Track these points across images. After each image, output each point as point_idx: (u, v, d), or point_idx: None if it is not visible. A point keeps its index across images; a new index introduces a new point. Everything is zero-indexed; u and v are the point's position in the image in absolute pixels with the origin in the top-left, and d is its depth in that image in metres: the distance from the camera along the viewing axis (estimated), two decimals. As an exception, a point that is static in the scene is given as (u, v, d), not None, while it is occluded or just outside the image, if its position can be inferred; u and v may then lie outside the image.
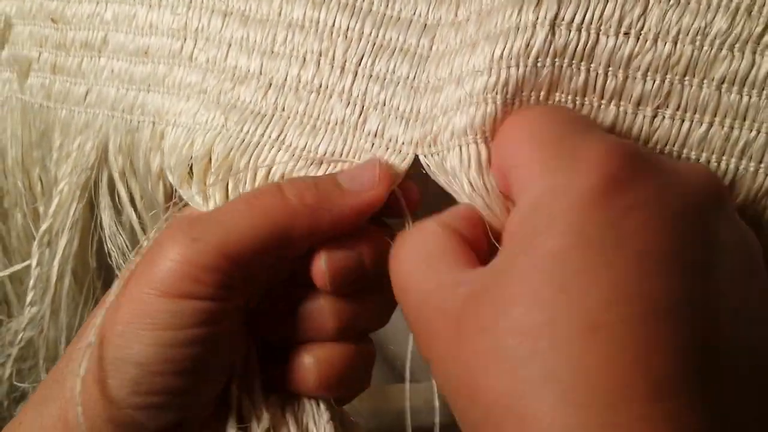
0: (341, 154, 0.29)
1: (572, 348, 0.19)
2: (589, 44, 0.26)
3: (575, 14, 0.26)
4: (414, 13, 0.29)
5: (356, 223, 0.27)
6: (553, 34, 0.26)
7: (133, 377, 0.24)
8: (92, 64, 0.36)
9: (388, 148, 0.29)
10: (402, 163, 0.28)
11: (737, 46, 0.25)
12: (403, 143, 0.28)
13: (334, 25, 0.30)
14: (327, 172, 0.29)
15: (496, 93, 0.26)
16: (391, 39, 0.29)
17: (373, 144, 0.29)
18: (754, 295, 0.22)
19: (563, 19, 0.26)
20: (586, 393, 0.18)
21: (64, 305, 0.37)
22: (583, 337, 0.19)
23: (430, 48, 0.29)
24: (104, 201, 0.36)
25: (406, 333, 0.41)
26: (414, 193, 0.29)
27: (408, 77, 0.29)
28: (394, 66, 0.29)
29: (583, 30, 0.26)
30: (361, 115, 0.29)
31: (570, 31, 0.26)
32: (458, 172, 0.27)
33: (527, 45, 0.26)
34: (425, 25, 0.29)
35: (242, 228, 0.25)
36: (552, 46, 0.26)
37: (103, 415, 0.25)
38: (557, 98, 0.26)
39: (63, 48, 0.37)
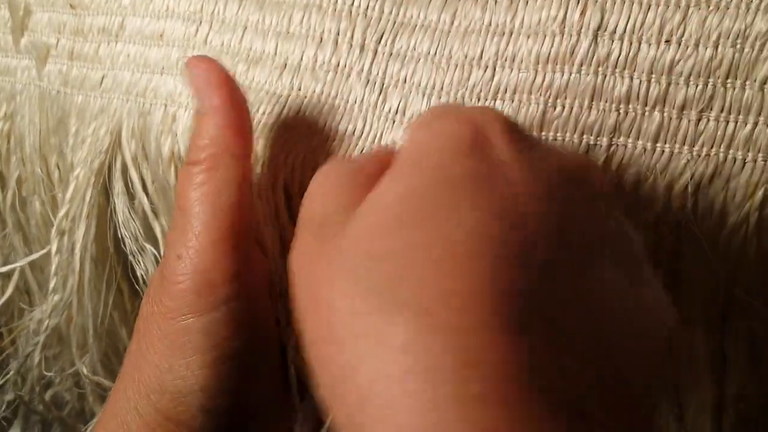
0: (361, 134, 0.28)
1: (426, 273, 0.18)
2: (631, 53, 0.25)
3: (617, 23, 0.25)
4: (434, -11, 0.28)
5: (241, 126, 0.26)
6: (596, 43, 0.26)
7: (200, 405, 0.24)
8: (109, 49, 0.35)
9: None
10: None
11: None
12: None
13: (353, 4, 0.28)
14: (347, 153, 0.28)
15: (540, 95, 0.26)
16: (411, 16, 0.28)
17: (394, 122, 0.28)
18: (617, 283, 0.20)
19: (606, 29, 0.26)
20: (440, 318, 0.17)
21: (87, 292, 0.37)
22: (440, 263, 0.18)
23: (452, 23, 0.27)
24: (118, 186, 0.35)
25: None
26: None
27: (429, 53, 0.27)
28: (415, 43, 0.28)
29: (625, 39, 0.25)
30: (381, 93, 0.28)
31: (613, 41, 0.25)
32: None
33: (572, 52, 0.26)
34: (445, 0, 0.28)
35: (201, 216, 0.25)
36: (596, 55, 0.26)
37: None
38: (601, 106, 0.26)
39: (81, 34, 0.36)
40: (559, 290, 0.18)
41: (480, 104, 0.26)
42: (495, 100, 0.26)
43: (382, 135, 0.27)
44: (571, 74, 0.26)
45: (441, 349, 0.16)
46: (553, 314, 0.18)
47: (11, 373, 0.40)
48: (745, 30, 0.24)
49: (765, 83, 0.25)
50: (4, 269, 0.40)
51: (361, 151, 0.28)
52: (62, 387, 0.40)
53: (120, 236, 0.35)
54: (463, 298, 0.17)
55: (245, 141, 0.25)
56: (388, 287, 0.18)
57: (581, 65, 0.26)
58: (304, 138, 0.28)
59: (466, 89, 0.26)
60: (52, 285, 0.34)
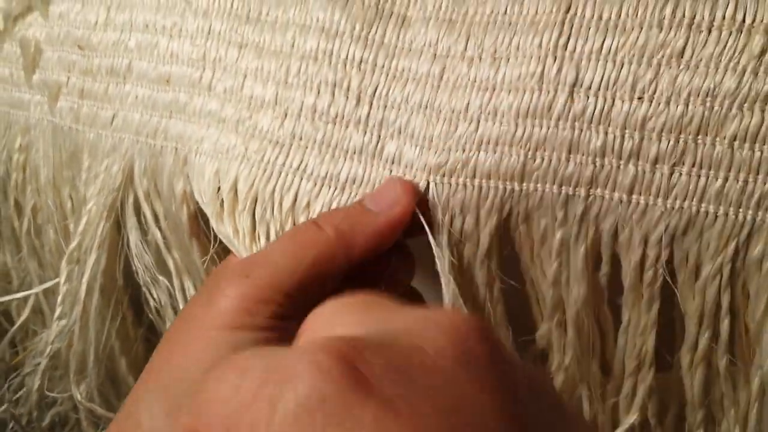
0: (362, 181, 0.29)
1: None
2: (605, 108, 0.27)
3: (592, 80, 0.27)
4: (424, 44, 0.29)
5: (388, 241, 0.28)
6: (572, 98, 0.27)
7: None
8: (118, 90, 0.36)
9: (405, 174, 0.29)
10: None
11: (746, 105, 0.25)
12: (417, 169, 0.28)
13: (347, 57, 0.30)
14: (350, 198, 0.30)
15: (520, 147, 0.27)
16: (403, 69, 0.29)
17: (391, 170, 0.29)
18: None
19: (581, 85, 0.27)
20: None
21: (92, 320, 0.38)
22: None
23: (441, 77, 0.29)
24: (131, 221, 0.36)
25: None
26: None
27: (421, 105, 0.29)
28: (408, 95, 0.29)
29: (599, 95, 0.27)
30: (378, 143, 0.29)
31: (588, 96, 0.27)
32: (470, 208, 0.28)
33: (549, 107, 0.27)
34: (435, 54, 0.29)
35: (288, 262, 0.26)
36: (572, 110, 0.27)
37: None
38: (578, 159, 0.27)
39: (90, 74, 0.37)
40: None
41: (465, 155, 0.28)
42: (479, 151, 0.28)
43: (381, 180, 0.29)
44: (549, 128, 0.27)
45: None
46: None
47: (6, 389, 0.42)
48: (714, 88, 0.26)
49: (734, 140, 0.26)
50: (19, 295, 0.42)
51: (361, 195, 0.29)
52: (64, 408, 0.42)
53: (134, 268, 0.37)
54: None
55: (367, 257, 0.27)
56: None
57: (558, 119, 0.27)
58: (308, 187, 0.30)
59: (453, 141, 0.28)
60: (58, 312, 0.36)
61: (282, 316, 0.26)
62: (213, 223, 0.31)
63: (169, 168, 0.34)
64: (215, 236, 0.33)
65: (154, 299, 0.36)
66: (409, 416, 0.17)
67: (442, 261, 0.28)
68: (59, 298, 0.37)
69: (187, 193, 0.34)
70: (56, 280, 0.38)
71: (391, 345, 0.19)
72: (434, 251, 0.28)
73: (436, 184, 0.28)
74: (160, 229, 0.36)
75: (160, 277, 0.36)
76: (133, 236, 0.36)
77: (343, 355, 0.18)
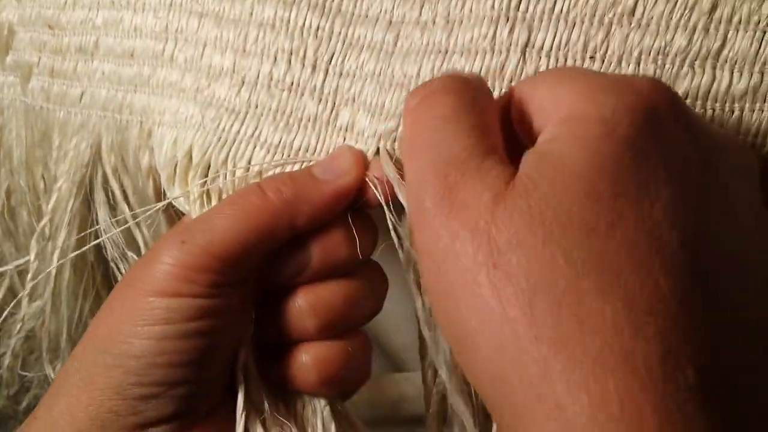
0: (315, 149, 0.29)
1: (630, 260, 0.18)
2: None
3: (544, 40, 0.26)
4: (380, 11, 0.29)
5: (335, 210, 0.27)
6: (524, 59, 0.27)
7: (134, 369, 0.25)
8: (86, 68, 0.36)
9: (357, 142, 0.28)
10: (368, 152, 0.28)
11: (697, 62, 0.25)
12: (368, 136, 0.28)
13: (304, 24, 0.29)
14: (303, 166, 0.29)
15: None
16: (359, 36, 0.29)
17: (344, 138, 0.29)
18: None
19: (533, 46, 0.26)
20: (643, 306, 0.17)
21: (64, 298, 0.38)
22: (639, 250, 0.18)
23: (395, 44, 0.28)
24: (99, 197, 0.36)
25: (399, 322, 0.41)
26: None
27: (375, 72, 0.28)
28: (363, 62, 0.29)
29: (551, 55, 0.26)
30: (333, 111, 0.29)
31: (540, 57, 0.26)
32: None
33: (502, 68, 0.27)
34: (390, 21, 0.28)
35: (227, 228, 0.26)
36: (524, 71, 0.27)
37: (107, 406, 0.25)
38: None
39: (60, 53, 0.37)
40: (734, 278, 0.19)
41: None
42: None
43: (332, 149, 0.29)
44: (501, 89, 0.27)
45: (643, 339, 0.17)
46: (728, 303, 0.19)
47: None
48: (666, 47, 0.25)
49: (686, 98, 0.25)
50: (-8, 275, 0.42)
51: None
52: (42, 392, 0.42)
53: (102, 245, 0.37)
54: (663, 293, 0.18)
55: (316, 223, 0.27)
56: (595, 267, 0.18)
57: (511, 81, 0.26)
58: (261, 155, 0.30)
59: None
60: (27, 290, 0.36)
61: (219, 284, 0.26)
62: (165, 187, 0.31)
63: (135, 142, 0.34)
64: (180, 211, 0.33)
65: (122, 274, 0.36)
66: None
67: (397, 227, 0.28)
68: (29, 276, 0.37)
69: (153, 167, 0.33)
70: (27, 257, 0.38)
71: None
72: (388, 219, 0.28)
73: (387, 150, 0.28)
74: (128, 204, 0.35)
75: (129, 253, 0.36)
76: (102, 212, 0.36)
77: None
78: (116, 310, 0.26)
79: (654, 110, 0.20)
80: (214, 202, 0.30)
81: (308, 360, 0.28)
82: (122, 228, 0.35)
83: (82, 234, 0.37)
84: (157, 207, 0.30)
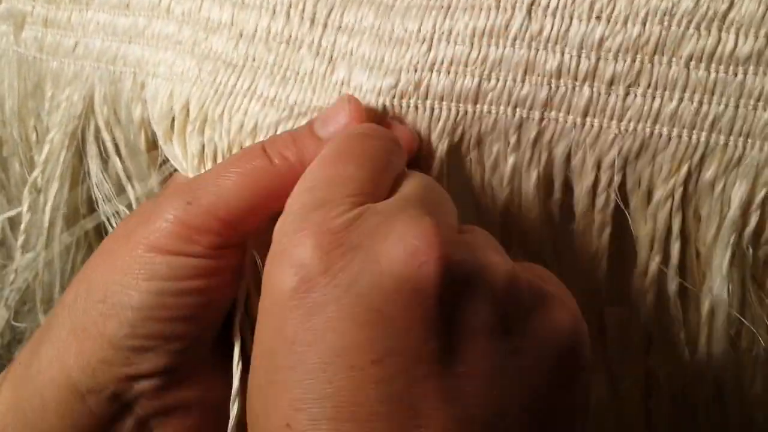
0: (310, 104, 0.28)
1: None
2: (562, 28, 0.26)
3: (550, 0, 0.26)
4: (382, -36, 0.28)
5: None
6: (530, 18, 0.26)
7: (130, 321, 0.25)
8: (80, 17, 0.35)
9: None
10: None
11: (703, 24, 0.25)
12: (366, 91, 0.27)
13: (304, -24, 0.29)
14: (298, 122, 0.28)
15: (475, 67, 0.26)
16: (360, -10, 0.28)
17: (340, 92, 0.28)
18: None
19: (539, 5, 0.26)
20: None
21: (56, 250, 0.38)
22: None
23: (396, -1, 0.28)
24: (92, 150, 0.35)
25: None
26: (406, 135, 0.27)
27: (374, 27, 0.28)
28: (362, 16, 0.28)
29: (557, 14, 0.26)
30: (329, 65, 0.28)
31: (545, 16, 0.26)
32: (421, 131, 0.27)
33: (506, 26, 0.26)
34: (392, -25, 0.28)
35: (233, 192, 0.25)
36: (529, 30, 0.26)
37: (99, 355, 0.25)
38: (534, 80, 0.26)
39: (54, 2, 0.36)
40: None
41: (417, 76, 0.27)
42: (432, 72, 0.27)
43: (329, 104, 0.28)
44: (505, 48, 0.26)
45: None
46: None
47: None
48: (672, 8, 0.25)
49: (691, 60, 0.25)
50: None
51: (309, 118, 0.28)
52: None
53: (93, 197, 0.36)
54: None
55: None
56: None
57: (515, 39, 0.26)
58: (256, 109, 0.29)
59: (405, 61, 0.27)
60: (20, 242, 0.36)
61: (220, 246, 0.25)
62: (161, 142, 0.30)
63: (128, 94, 0.33)
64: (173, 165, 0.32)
65: (114, 228, 0.35)
66: None
67: None
68: (22, 227, 0.37)
69: (145, 120, 0.33)
70: (19, 209, 0.38)
71: None
72: None
73: (385, 106, 0.27)
74: (119, 157, 0.35)
75: (120, 207, 0.35)
76: (94, 165, 0.36)
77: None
78: (113, 261, 0.26)
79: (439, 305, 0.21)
80: (210, 158, 0.29)
81: None
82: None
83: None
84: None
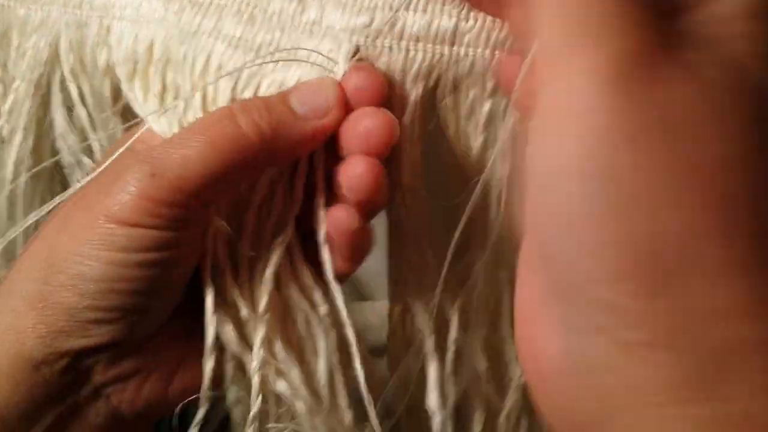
0: (278, 44, 0.27)
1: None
2: None
3: None
4: None
5: (313, 148, 0.26)
6: None
7: (91, 293, 0.24)
8: (48, -38, 0.34)
9: (325, 35, 0.26)
10: (340, 49, 0.26)
11: None
12: (339, 29, 0.26)
13: None
14: (263, 61, 0.27)
15: (453, 7, 0.25)
16: (333, -75, 0.27)
17: (311, 32, 0.27)
18: None
19: None
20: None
21: (20, 204, 0.36)
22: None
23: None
24: (56, 99, 0.34)
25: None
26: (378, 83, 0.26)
27: (347, -37, 0.26)
28: (335, -47, 0.27)
29: None
30: (300, 3, 0.27)
31: None
32: (395, 73, 0.26)
33: None
34: None
35: (200, 163, 0.24)
36: None
37: (58, 326, 0.24)
38: None
39: (21, -54, 0.35)
40: None
41: (393, 14, 0.25)
42: (408, 10, 0.25)
43: (298, 45, 0.27)
44: None
45: None
46: None
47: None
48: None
49: None
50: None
51: (276, 64, 0.27)
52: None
53: (58, 149, 0.35)
54: None
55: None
56: None
57: None
58: (221, 49, 0.27)
59: (380, 0, 0.26)
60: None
61: (184, 218, 0.24)
62: (123, 85, 0.29)
63: (93, 39, 0.31)
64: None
65: (77, 182, 0.34)
66: None
67: None
68: (-16, 179, 0.35)
69: (111, 66, 0.31)
70: (-17, 162, 0.36)
71: None
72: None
73: (359, 46, 0.26)
74: (85, 107, 0.33)
75: (84, 159, 0.34)
76: (59, 115, 0.34)
77: None
78: (72, 230, 0.25)
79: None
80: (172, 98, 0.28)
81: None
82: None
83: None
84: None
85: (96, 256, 0.24)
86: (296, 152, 0.26)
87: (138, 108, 0.29)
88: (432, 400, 0.27)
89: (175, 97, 0.28)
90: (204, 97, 0.27)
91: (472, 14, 0.25)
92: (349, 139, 0.25)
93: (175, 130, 0.27)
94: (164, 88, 0.28)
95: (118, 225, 0.24)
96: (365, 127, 0.25)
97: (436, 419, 0.27)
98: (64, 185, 0.36)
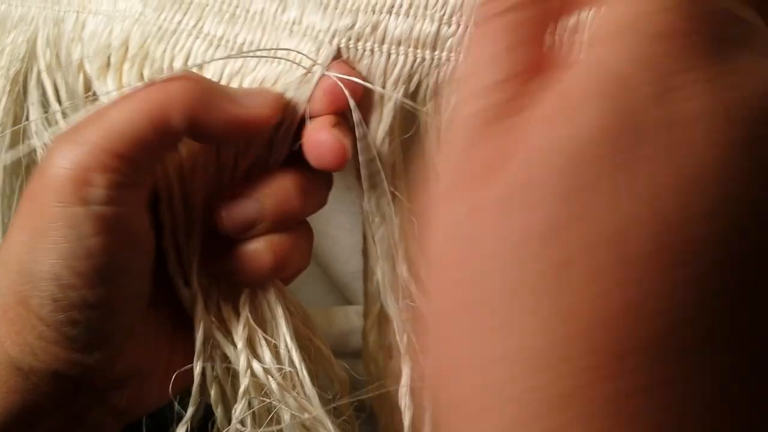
0: (259, 44, 0.27)
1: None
2: None
3: None
4: None
5: (243, 136, 0.25)
6: None
7: (50, 294, 0.23)
8: (28, -42, 0.33)
9: (305, 36, 0.26)
10: (320, 51, 0.26)
11: None
12: (320, 30, 0.25)
13: None
14: (245, 62, 0.27)
15: (435, 11, 0.25)
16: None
17: (291, 32, 0.26)
18: None
19: None
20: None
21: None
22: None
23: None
24: (33, 96, 0.33)
25: (349, 253, 0.40)
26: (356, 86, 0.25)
27: (330, -37, 0.26)
28: (317, -47, 0.26)
29: None
30: (281, 2, 0.26)
31: None
32: (376, 77, 0.25)
33: None
34: None
35: (122, 122, 0.23)
36: None
37: (34, 332, 0.23)
38: None
39: (1, -60, 0.34)
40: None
41: (375, 17, 0.25)
42: (390, 14, 0.25)
43: (278, 45, 0.26)
44: None
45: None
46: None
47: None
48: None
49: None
50: None
51: (257, 63, 0.26)
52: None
53: (33, 147, 0.34)
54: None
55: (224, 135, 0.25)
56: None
57: None
58: (202, 49, 0.27)
59: (362, 2, 0.25)
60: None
61: (124, 185, 0.23)
62: (94, 77, 0.28)
63: (69, 34, 0.31)
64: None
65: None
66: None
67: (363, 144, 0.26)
68: (-40, 180, 0.35)
69: (84, 61, 0.31)
70: (-41, 160, 0.35)
71: None
72: (357, 130, 0.26)
73: (340, 48, 0.25)
74: (59, 103, 0.33)
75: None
76: (34, 112, 0.33)
77: None
78: (20, 226, 0.24)
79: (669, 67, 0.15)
80: None
81: (262, 246, 0.26)
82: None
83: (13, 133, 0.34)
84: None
85: (43, 252, 0.23)
86: (226, 132, 0.25)
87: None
88: (404, 397, 0.27)
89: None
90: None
91: (454, 19, 0.25)
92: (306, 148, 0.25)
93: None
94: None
95: (56, 208, 0.23)
96: (317, 140, 0.25)
97: (407, 416, 0.26)
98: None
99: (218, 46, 0.27)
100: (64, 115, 0.33)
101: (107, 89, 0.28)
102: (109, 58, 0.28)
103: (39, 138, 0.34)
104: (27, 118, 0.34)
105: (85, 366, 0.24)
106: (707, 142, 0.14)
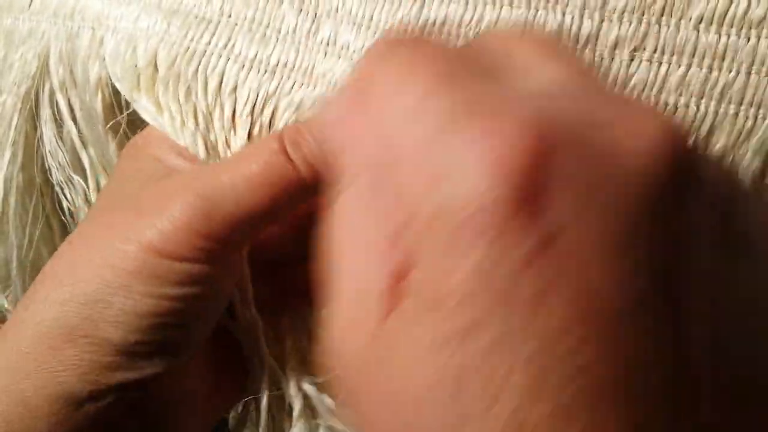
0: (293, 65, 0.26)
1: None
2: None
3: None
4: None
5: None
6: None
7: (139, 327, 0.23)
8: (35, -30, 0.32)
9: (340, 57, 0.25)
10: None
11: None
12: (354, 51, 0.25)
13: (286, -73, 0.26)
14: (281, 85, 0.26)
15: (469, 29, 0.25)
16: (348, -58, 0.26)
17: (326, 53, 0.26)
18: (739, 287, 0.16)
19: None
20: None
21: (12, 223, 0.35)
22: None
23: (387, -48, 0.26)
24: (45, 114, 0.32)
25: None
26: None
27: (362, -19, 0.26)
28: (349, -30, 0.26)
29: None
30: (313, 22, 0.26)
31: None
32: None
33: None
34: (382, -72, 0.26)
35: (254, 200, 0.23)
36: None
37: (103, 361, 0.23)
38: None
39: (6, -47, 0.33)
40: None
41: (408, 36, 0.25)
42: (423, 32, 0.25)
43: (314, 66, 0.26)
44: (502, 8, 0.24)
45: None
46: None
47: None
48: (682, -34, 0.23)
49: (700, 23, 0.23)
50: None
51: (292, 85, 0.26)
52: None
53: (47, 166, 0.33)
54: None
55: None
56: None
57: (512, 1, 0.24)
58: (234, 70, 0.27)
59: (395, 21, 0.25)
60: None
61: (228, 254, 0.24)
62: (129, 96, 0.28)
63: (85, 51, 0.30)
64: (133, 130, 0.29)
65: (68, 200, 0.33)
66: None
67: None
68: (-28, 198, 0.34)
69: (103, 79, 0.30)
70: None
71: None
72: None
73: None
74: (75, 122, 0.32)
75: (75, 177, 0.33)
76: (48, 131, 0.33)
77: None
78: (102, 257, 0.23)
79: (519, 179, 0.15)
80: (191, 117, 0.27)
81: None
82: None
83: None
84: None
85: (141, 289, 0.23)
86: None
87: (149, 118, 0.27)
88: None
89: (194, 115, 0.27)
90: (222, 116, 0.26)
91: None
92: None
93: (201, 147, 0.26)
94: (180, 108, 0.27)
95: (158, 256, 0.23)
96: None
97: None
98: (54, 203, 0.35)
99: (251, 67, 0.26)
100: (80, 134, 0.32)
101: (145, 105, 0.27)
102: (138, 77, 0.27)
103: (53, 157, 0.33)
104: (40, 137, 0.33)
105: (144, 394, 0.24)
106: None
